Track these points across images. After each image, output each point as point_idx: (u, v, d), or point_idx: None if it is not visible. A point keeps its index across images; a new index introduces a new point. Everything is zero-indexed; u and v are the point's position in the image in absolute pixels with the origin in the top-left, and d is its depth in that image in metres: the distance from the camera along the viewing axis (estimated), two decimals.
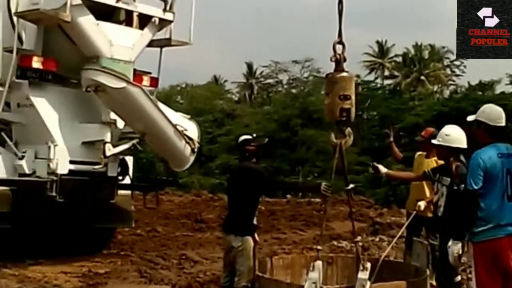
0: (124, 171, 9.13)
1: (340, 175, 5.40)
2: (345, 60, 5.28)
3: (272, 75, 48.99)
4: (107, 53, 8.34)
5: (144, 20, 9.00)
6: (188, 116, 9.77)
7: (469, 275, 4.80)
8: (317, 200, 15.87)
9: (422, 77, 45.83)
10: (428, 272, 5.47)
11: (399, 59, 49.40)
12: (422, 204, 6.87)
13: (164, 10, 9.13)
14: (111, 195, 9.01)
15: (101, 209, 9.11)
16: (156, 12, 9.07)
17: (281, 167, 30.51)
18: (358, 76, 42.67)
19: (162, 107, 8.84)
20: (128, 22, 8.88)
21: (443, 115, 25.53)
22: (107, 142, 8.39)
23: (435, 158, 6.60)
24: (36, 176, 8.29)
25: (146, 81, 9.31)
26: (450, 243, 4.74)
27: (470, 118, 4.77)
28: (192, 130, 9.24)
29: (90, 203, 8.86)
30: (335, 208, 14.54)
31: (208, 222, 13.34)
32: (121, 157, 8.97)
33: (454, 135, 5.59)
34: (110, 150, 8.38)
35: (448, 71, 48.67)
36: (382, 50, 49.99)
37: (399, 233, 6.68)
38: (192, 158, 9.14)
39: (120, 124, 8.76)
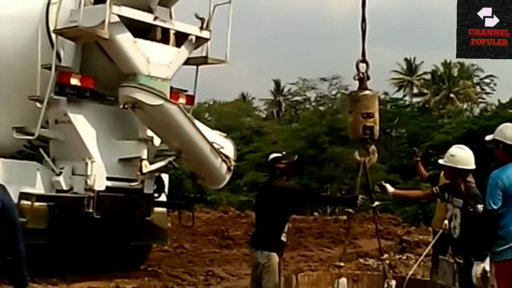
0: (160, 189, 9.09)
1: (366, 193, 5.53)
2: (368, 78, 5.36)
3: (299, 92, 48.96)
4: (144, 70, 8.32)
5: (181, 38, 8.90)
6: (225, 134, 9.74)
7: None
8: (344, 217, 15.85)
9: (452, 95, 45.34)
10: None
11: (428, 76, 48.99)
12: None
13: (201, 28, 9.03)
14: (147, 212, 8.97)
15: (137, 226, 9.12)
16: (193, 30, 8.98)
17: (309, 184, 30.47)
18: (386, 93, 42.61)
19: (199, 124, 8.80)
20: (165, 40, 8.81)
21: (473, 133, 25.21)
22: (143, 159, 8.33)
23: None
24: (73, 192, 8.30)
25: (182, 98, 9.26)
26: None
27: (489, 137, 4.81)
28: (228, 148, 9.17)
29: (126, 220, 8.89)
30: (362, 226, 14.53)
31: (235, 238, 13.39)
32: (157, 174, 8.92)
33: (459, 156, 5.30)
34: (146, 167, 8.32)
35: (478, 88, 48.17)
36: (411, 67, 49.69)
37: (426, 251, 6.74)
38: (228, 176, 9.06)
39: (157, 141, 8.74)
